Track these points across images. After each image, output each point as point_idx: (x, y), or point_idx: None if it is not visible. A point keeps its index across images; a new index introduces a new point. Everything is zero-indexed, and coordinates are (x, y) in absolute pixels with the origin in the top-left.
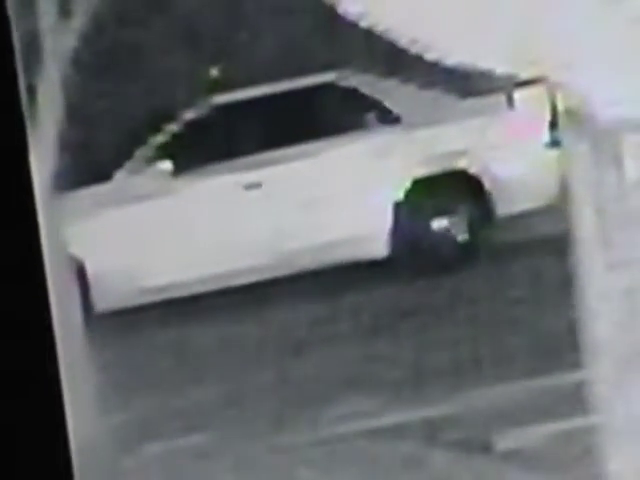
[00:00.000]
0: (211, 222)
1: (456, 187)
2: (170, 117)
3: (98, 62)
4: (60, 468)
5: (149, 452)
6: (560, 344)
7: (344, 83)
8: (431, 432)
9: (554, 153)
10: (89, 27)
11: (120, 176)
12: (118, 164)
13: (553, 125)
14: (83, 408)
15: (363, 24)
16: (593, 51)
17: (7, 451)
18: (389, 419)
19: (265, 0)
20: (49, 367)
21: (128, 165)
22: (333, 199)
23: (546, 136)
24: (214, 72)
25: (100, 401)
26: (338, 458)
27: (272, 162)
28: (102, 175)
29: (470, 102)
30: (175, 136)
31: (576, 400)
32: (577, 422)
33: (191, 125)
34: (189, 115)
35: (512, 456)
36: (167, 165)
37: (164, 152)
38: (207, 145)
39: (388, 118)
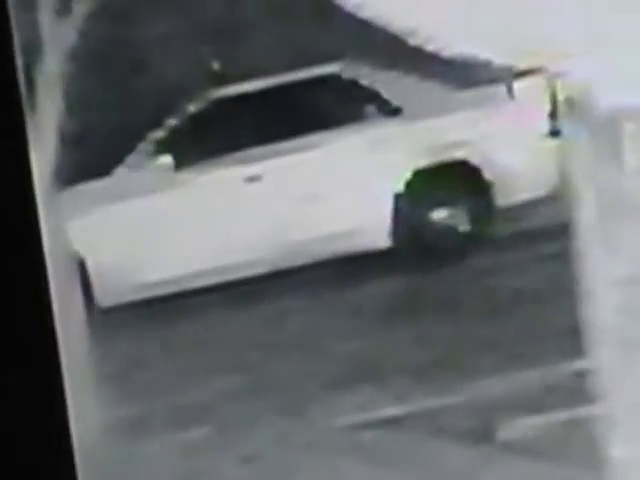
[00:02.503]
0: (212, 216)
1: (457, 178)
2: (171, 111)
3: (98, 56)
4: (63, 463)
5: (152, 446)
6: (562, 333)
7: (344, 75)
8: (434, 423)
9: (554, 143)
10: (89, 21)
11: (120, 171)
12: (118, 159)
13: (553, 115)
14: (85, 403)
15: (362, 15)
16: (592, 41)
17: (10, 446)
18: (392, 410)
19: None
20: (51, 362)
21: (128, 160)
22: (334, 191)
23: (546, 126)
24: (214, 66)
25: (102, 396)
26: (342, 449)
27: (273, 155)
28: (102, 170)
29: (470, 93)
30: (176, 130)
31: (579, 389)
32: (580, 411)
33: (192, 119)
34: (190, 109)
35: (515, 445)
36: (168, 159)
37: (165, 146)
38: (208, 139)
39: (388, 110)
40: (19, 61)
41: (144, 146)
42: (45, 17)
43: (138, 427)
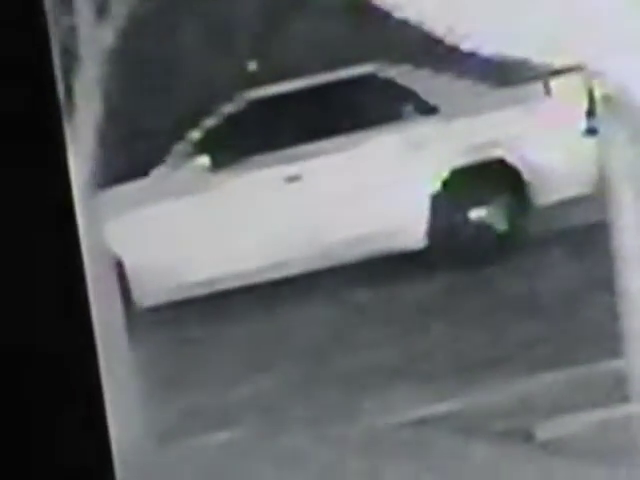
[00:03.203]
0: (251, 216)
1: (494, 177)
2: (208, 112)
3: (135, 59)
4: (101, 462)
5: (190, 446)
6: (601, 332)
7: (381, 75)
8: (473, 423)
9: (592, 141)
10: (126, 25)
11: (158, 172)
12: (156, 160)
13: (590, 113)
14: (125, 403)
15: (398, 15)
16: (630, 38)
17: (49, 445)
18: (431, 410)
19: None
20: (90, 363)
21: (166, 161)
22: (372, 190)
23: (583, 124)
24: (251, 66)
25: (141, 396)
26: (382, 449)
27: (311, 155)
28: (140, 172)
29: (507, 91)
30: (213, 131)
31: (617, 388)
32: (618, 410)
33: (229, 120)
34: (227, 110)
35: (554, 445)
36: (205, 160)
37: (202, 147)
38: (245, 139)
39: (425, 109)
40: (57, 64)
41: (181, 147)
42: (83, 20)
43: (177, 427)
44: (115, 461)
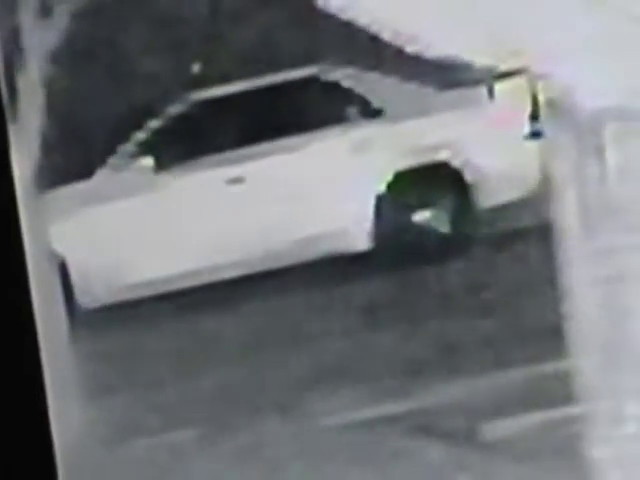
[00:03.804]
0: (195, 217)
1: (438, 179)
2: (152, 113)
3: (79, 59)
4: (44, 464)
5: (133, 448)
6: (545, 333)
7: (325, 77)
8: (418, 423)
9: (535, 144)
10: (69, 24)
11: (102, 173)
12: (100, 161)
13: (534, 116)
14: (67, 404)
15: (344, 17)
16: (576, 42)
17: None
18: (376, 411)
19: None
20: (32, 363)
21: (110, 162)
22: (316, 192)
23: (527, 127)
24: (195, 68)
25: (84, 397)
26: (327, 450)
27: (255, 156)
28: (84, 172)
29: (451, 94)
30: (157, 132)
31: (562, 389)
32: (563, 411)
33: (173, 121)
34: (171, 111)
35: (499, 446)
36: (149, 161)
37: (146, 148)
38: (189, 141)
39: (370, 111)
40: (0, 64)
41: (126, 148)
42: (26, 21)
43: (119, 428)
44: (58, 462)
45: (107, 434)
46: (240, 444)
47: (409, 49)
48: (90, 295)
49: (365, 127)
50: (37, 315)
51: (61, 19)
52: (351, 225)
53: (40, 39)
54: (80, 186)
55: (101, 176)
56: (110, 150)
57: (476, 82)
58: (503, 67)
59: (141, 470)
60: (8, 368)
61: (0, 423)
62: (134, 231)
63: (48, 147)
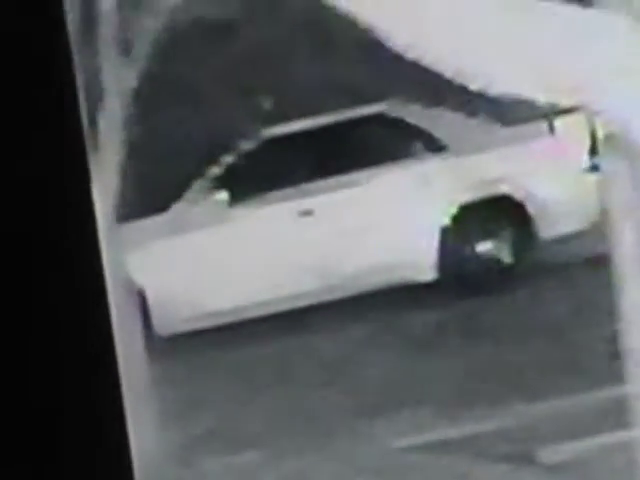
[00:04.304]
0: (267, 248)
1: (500, 212)
2: (226, 149)
3: (157, 97)
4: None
5: (203, 467)
6: (603, 360)
7: (392, 114)
8: (478, 447)
9: (594, 177)
10: (148, 64)
11: (178, 206)
12: (177, 195)
13: (592, 151)
14: (145, 426)
15: (409, 56)
16: (630, 80)
17: (76, 470)
18: (439, 434)
19: (315, 36)
20: (113, 387)
21: (186, 196)
22: (382, 225)
23: (586, 161)
24: (267, 105)
25: (160, 419)
26: (390, 471)
27: (324, 190)
28: (161, 206)
29: (513, 129)
30: (231, 167)
31: (619, 414)
32: (620, 436)
33: (246, 156)
34: (244, 147)
35: (557, 469)
36: (223, 195)
37: (220, 183)
38: (261, 175)
39: (434, 146)
40: (82, 104)
41: (201, 183)
42: (107, 61)
43: (195, 448)
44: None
45: (182, 454)
46: (305, 464)
47: (472, 87)
48: (166, 323)
49: (430, 162)
50: (117, 341)
51: (140, 59)
52: (416, 256)
53: (120, 78)
54: (157, 218)
55: (177, 209)
56: (186, 185)
57: (537, 118)
58: (563, 104)
59: None
60: (89, 392)
61: (84, 446)
62: (209, 262)
63: (128, 182)
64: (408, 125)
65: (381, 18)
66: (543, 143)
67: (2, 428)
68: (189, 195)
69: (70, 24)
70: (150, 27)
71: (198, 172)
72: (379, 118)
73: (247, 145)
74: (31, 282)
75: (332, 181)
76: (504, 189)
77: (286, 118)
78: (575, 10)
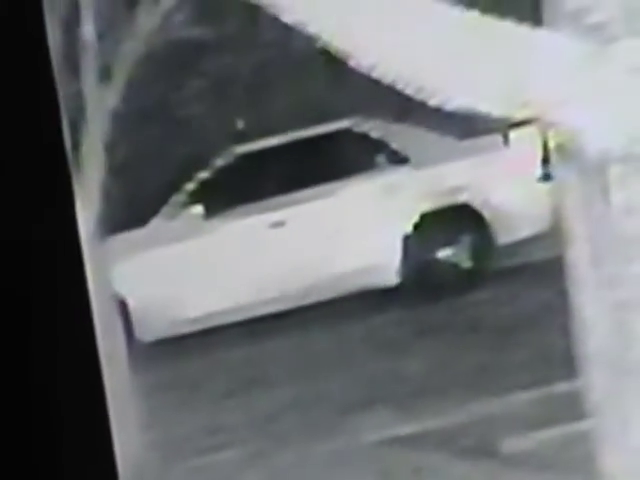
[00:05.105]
0: (240, 258)
1: (460, 219)
2: (201, 166)
3: (135, 119)
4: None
5: (187, 467)
6: (558, 356)
7: (357, 129)
8: (442, 440)
9: (547, 186)
10: (127, 88)
11: (156, 221)
12: (155, 210)
13: (545, 161)
14: (128, 428)
15: (373, 75)
16: (581, 93)
17: (60, 471)
18: (404, 429)
19: (284, 57)
20: (97, 391)
21: (164, 210)
22: (349, 234)
23: (539, 171)
24: (239, 124)
25: (142, 420)
26: (358, 466)
27: (294, 202)
28: (140, 220)
29: (470, 142)
30: (205, 183)
31: (573, 407)
32: (575, 427)
33: (220, 172)
34: (218, 163)
35: (517, 459)
36: (199, 209)
37: (196, 197)
38: (234, 190)
39: (397, 159)
40: (65, 124)
41: (177, 198)
42: (88, 85)
43: (174, 450)
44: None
45: (164, 455)
46: (284, 461)
47: (431, 102)
48: (147, 330)
49: (393, 173)
50: (100, 349)
51: (119, 83)
52: (381, 262)
53: (100, 101)
54: (137, 232)
55: (156, 223)
56: (163, 200)
57: (492, 131)
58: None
59: None
60: (74, 398)
61: (69, 448)
62: (186, 272)
63: (108, 198)
64: (373, 140)
65: (346, 41)
66: (499, 154)
67: None
68: (166, 210)
69: (52, 51)
70: (128, 52)
71: (175, 188)
72: (345, 133)
73: (220, 162)
74: (16, 295)
75: (302, 193)
76: (463, 198)
77: (258, 136)
78: (527, 30)
